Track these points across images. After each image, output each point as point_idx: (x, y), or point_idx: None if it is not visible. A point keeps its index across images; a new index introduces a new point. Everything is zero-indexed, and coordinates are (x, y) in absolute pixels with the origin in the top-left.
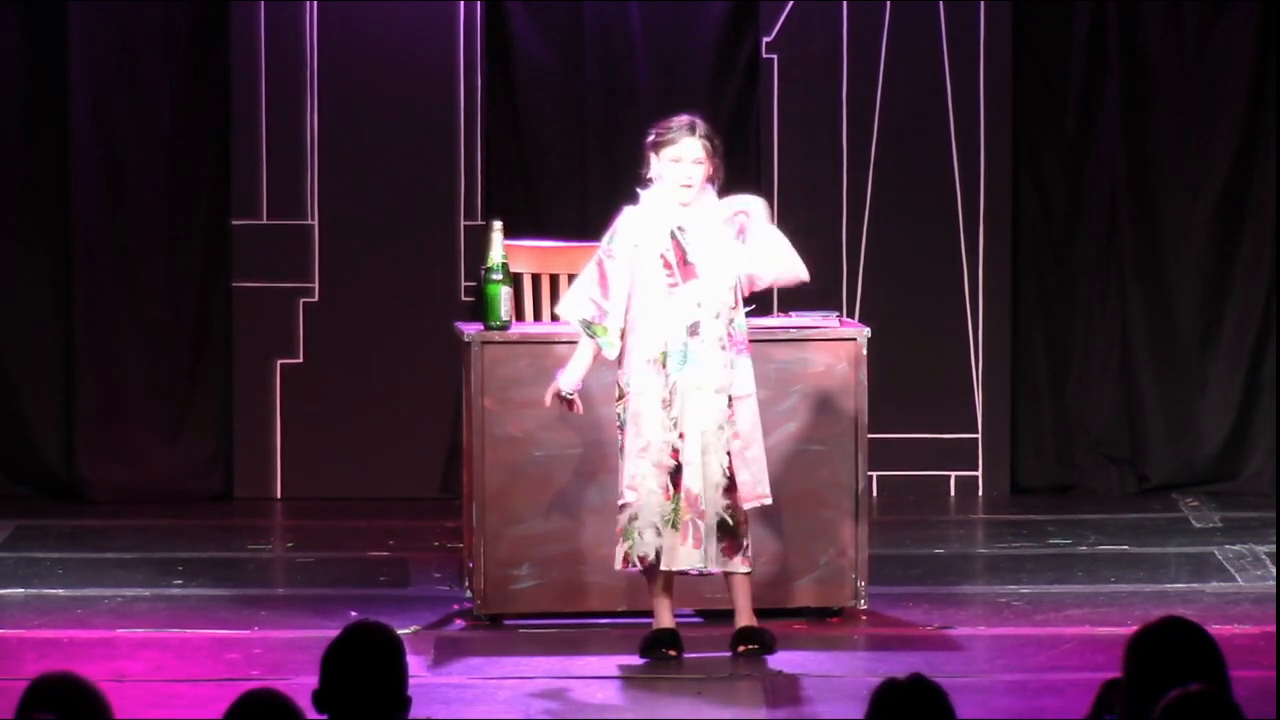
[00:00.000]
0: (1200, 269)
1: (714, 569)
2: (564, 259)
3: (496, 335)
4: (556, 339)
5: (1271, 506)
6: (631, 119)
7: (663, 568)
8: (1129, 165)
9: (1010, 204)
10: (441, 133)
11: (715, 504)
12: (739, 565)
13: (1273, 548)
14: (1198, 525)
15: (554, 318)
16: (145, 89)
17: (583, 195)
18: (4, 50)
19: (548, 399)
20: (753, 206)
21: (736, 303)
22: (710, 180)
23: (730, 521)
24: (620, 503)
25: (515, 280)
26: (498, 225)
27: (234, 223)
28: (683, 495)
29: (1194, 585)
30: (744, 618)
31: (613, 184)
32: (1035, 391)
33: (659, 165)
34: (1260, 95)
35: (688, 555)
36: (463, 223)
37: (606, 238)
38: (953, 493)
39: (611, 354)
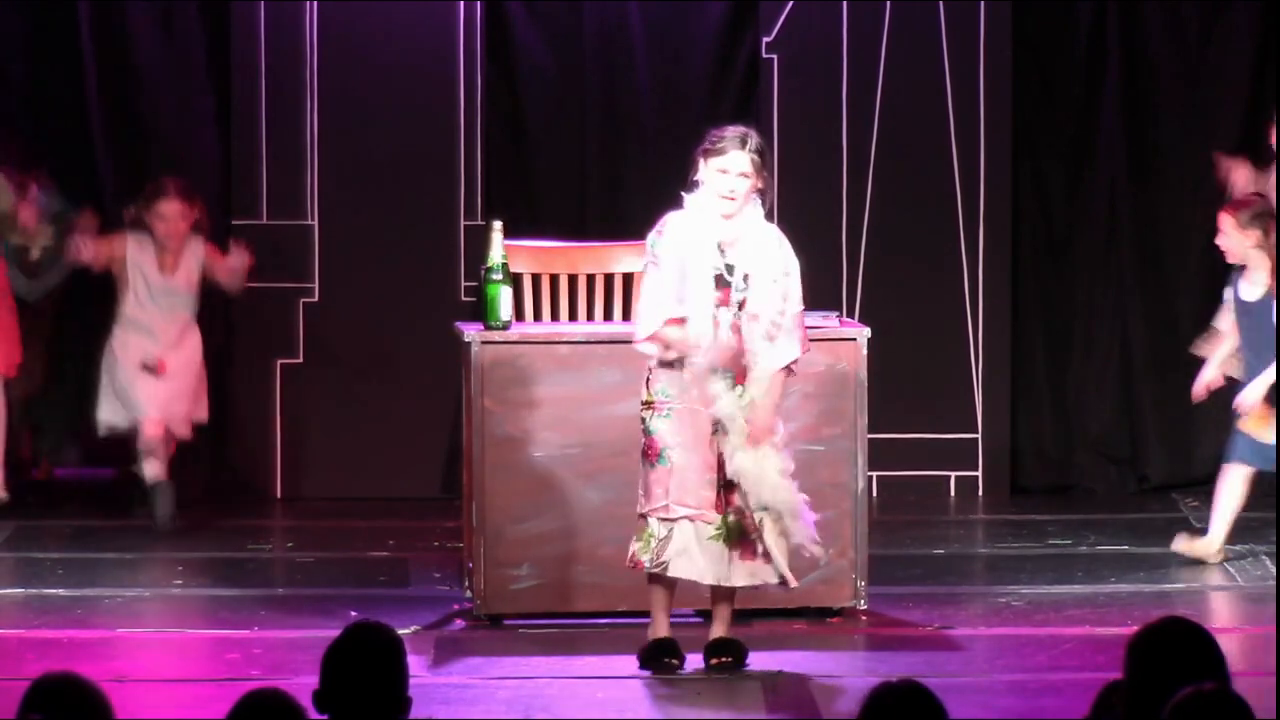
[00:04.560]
0: (1200, 269)
1: (740, 583)
2: (564, 259)
3: (496, 335)
4: (557, 339)
5: (1271, 506)
6: (631, 119)
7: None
8: (1129, 165)
9: (1010, 204)
10: (441, 133)
11: (768, 520)
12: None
13: (1273, 548)
14: (1198, 525)
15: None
16: (145, 88)
17: (583, 195)
18: (6, 51)
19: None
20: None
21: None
22: (759, 193)
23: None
24: (648, 508)
25: (515, 280)
26: (498, 225)
27: (234, 223)
28: (733, 511)
29: (1194, 585)
30: (720, 628)
31: (613, 184)
32: (1035, 391)
33: (705, 172)
34: (1260, 96)
35: (734, 570)
36: (463, 223)
37: (650, 243)
38: (953, 493)
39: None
